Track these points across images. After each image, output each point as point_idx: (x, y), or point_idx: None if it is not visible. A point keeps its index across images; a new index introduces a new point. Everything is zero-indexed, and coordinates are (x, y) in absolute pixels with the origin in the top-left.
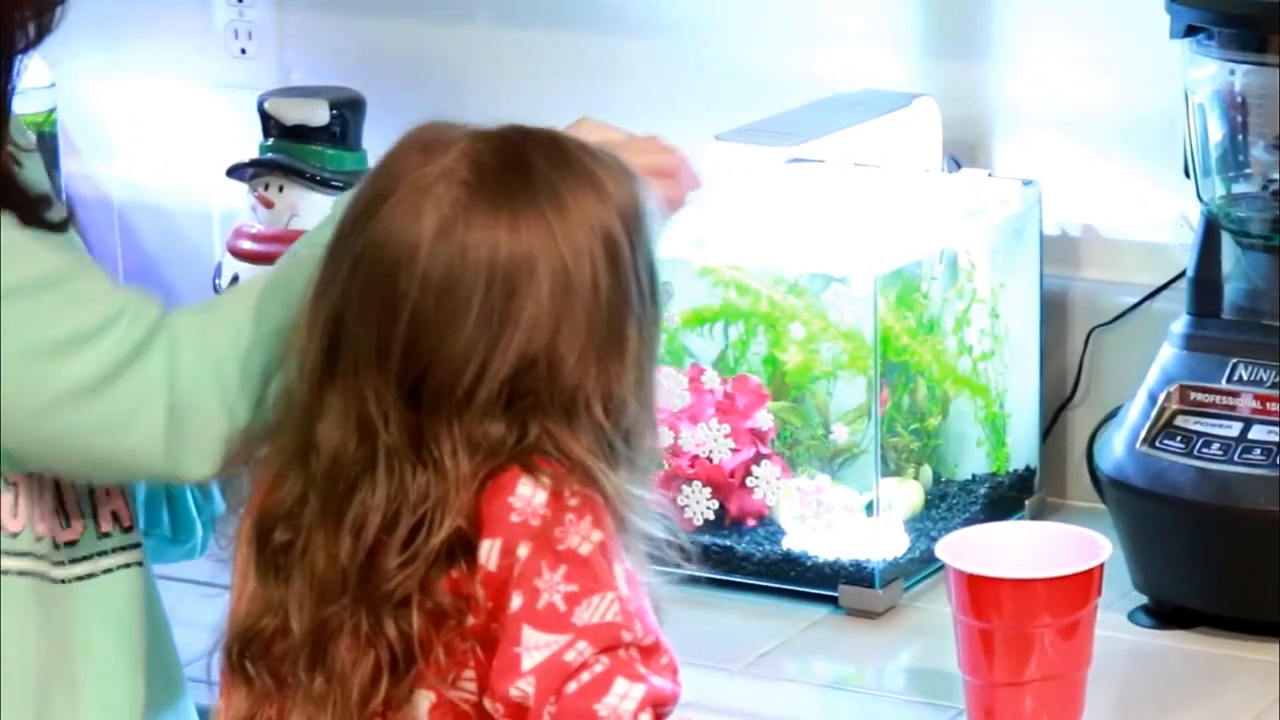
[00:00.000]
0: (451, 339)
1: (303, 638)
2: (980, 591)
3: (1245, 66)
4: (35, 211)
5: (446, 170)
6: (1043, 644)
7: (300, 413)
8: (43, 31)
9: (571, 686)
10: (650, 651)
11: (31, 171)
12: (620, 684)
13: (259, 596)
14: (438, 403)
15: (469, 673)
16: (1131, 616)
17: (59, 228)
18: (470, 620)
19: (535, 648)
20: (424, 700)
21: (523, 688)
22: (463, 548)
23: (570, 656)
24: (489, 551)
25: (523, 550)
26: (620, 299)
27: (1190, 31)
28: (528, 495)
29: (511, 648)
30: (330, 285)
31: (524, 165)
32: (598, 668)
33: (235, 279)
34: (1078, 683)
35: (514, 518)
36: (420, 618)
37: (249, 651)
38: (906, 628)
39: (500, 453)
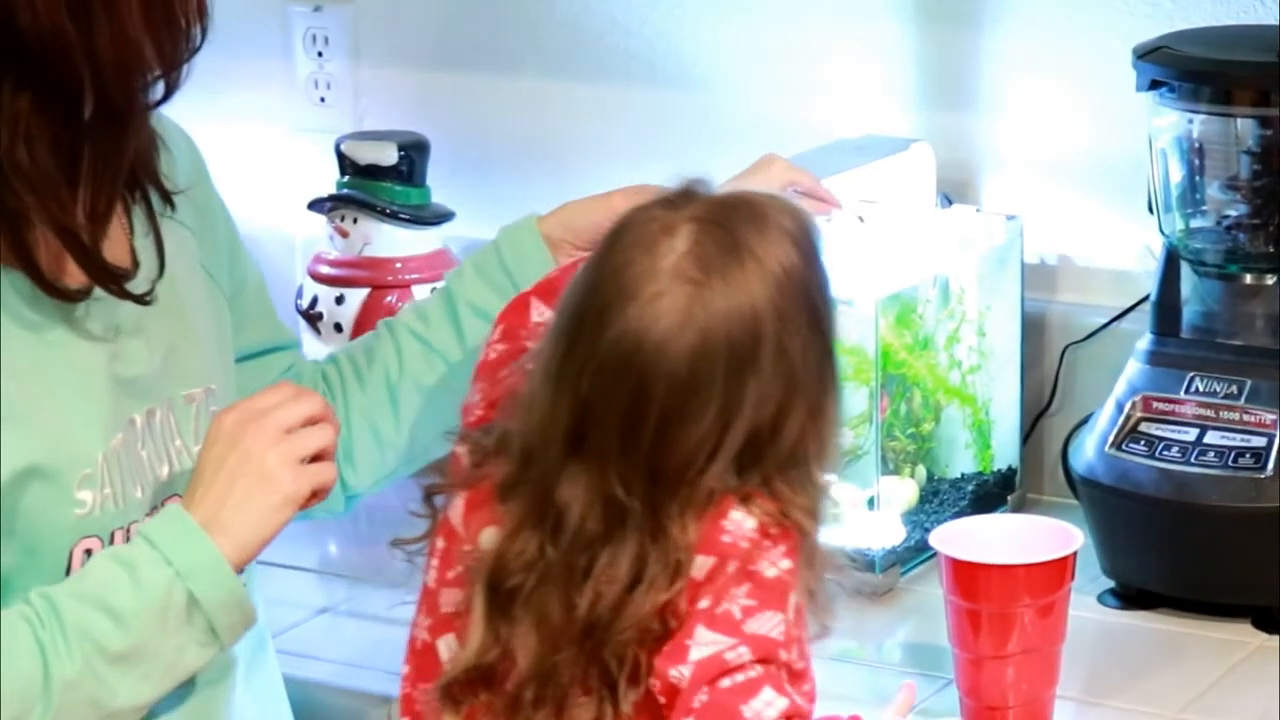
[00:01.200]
0: (693, 425)
1: (529, 676)
2: (968, 576)
3: (1202, 116)
4: (116, 283)
5: (676, 271)
6: (1023, 622)
7: (539, 475)
8: (171, 89)
9: (725, 683)
10: (799, 676)
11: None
12: (767, 692)
13: (484, 635)
14: (678, 481)
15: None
16: (1101, 598)
17: (140, 299)
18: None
19: (704, 644)
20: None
21: (682, 672)
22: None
23: (730, 656)
24: (702, 566)
25: (731, 567)
26: (817, 352)
27: (1154, 85)
28: (739, 520)
29: (684, 639)
30: (572, 368)
31: (738, 247)
32: (752, 673)
33: (315, 299)
34: (1053, 656)
35: (725, 539)
36: (643, 652)
37: (470, 684)
38: (903, 608)
39: (726, 515)
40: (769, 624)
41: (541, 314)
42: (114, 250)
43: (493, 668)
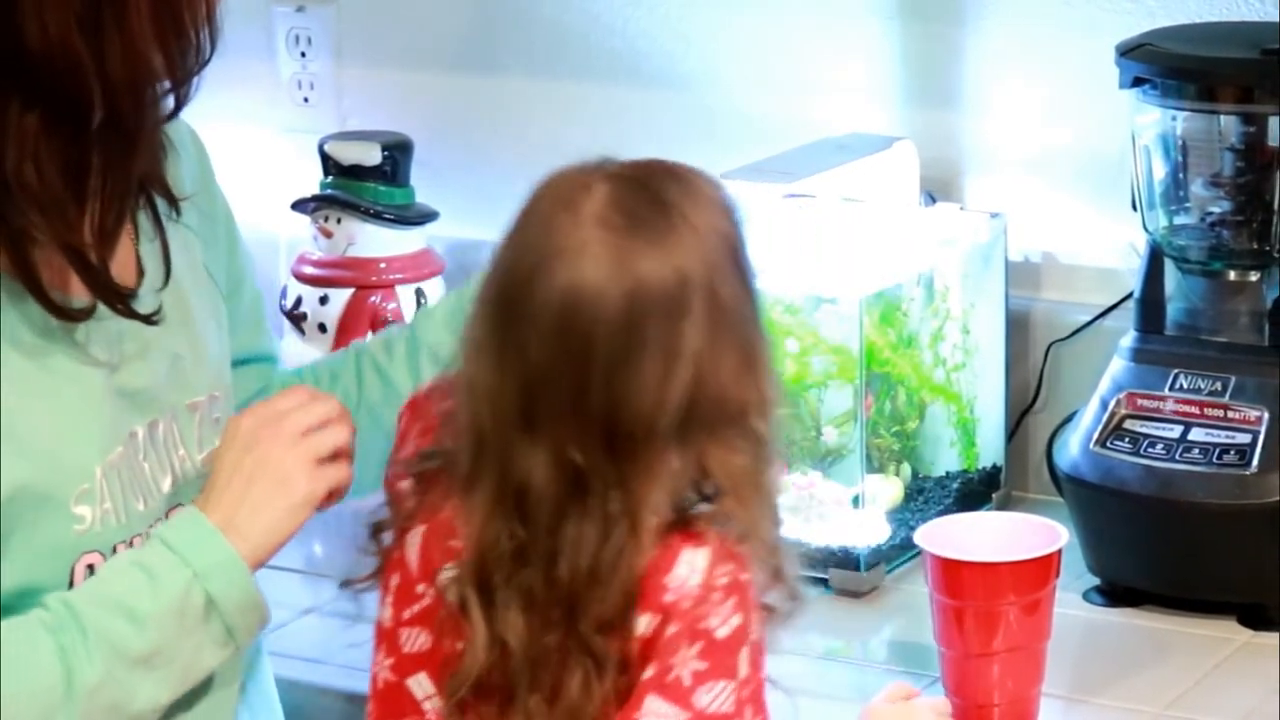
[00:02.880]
0: (638, 375)
1: (522, 662)
2: (953, 574)
3: (1185, 114)
4: (123, 303)
5: (601, 219)
6: (1008, 619)
7: (496, 458)
8: (181, 102)
9: None
10: None
11: (147, 256)
12: None
13: (489, 636)
14: (631, 439)
15: None
16: (1086, 596)
17: (147, 319)
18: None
19: (655, 714)
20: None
21: None
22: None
23: None
24: (647, 624)
25: (671, 628)
26: (749, 300)
27: (1137, 83)
28: (683, 576)
29: (633, 712)
30: (514, 344)
31: (660, 198)
32: None
33: (299, 300)
34: (1039, 653)
35: (668, 597)
36: (623, 642)
37: (477, 687)
38: (888, 606)
39: (679, 494)
40: (720, 696)
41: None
42: (119, 259)
43: (490, 671)
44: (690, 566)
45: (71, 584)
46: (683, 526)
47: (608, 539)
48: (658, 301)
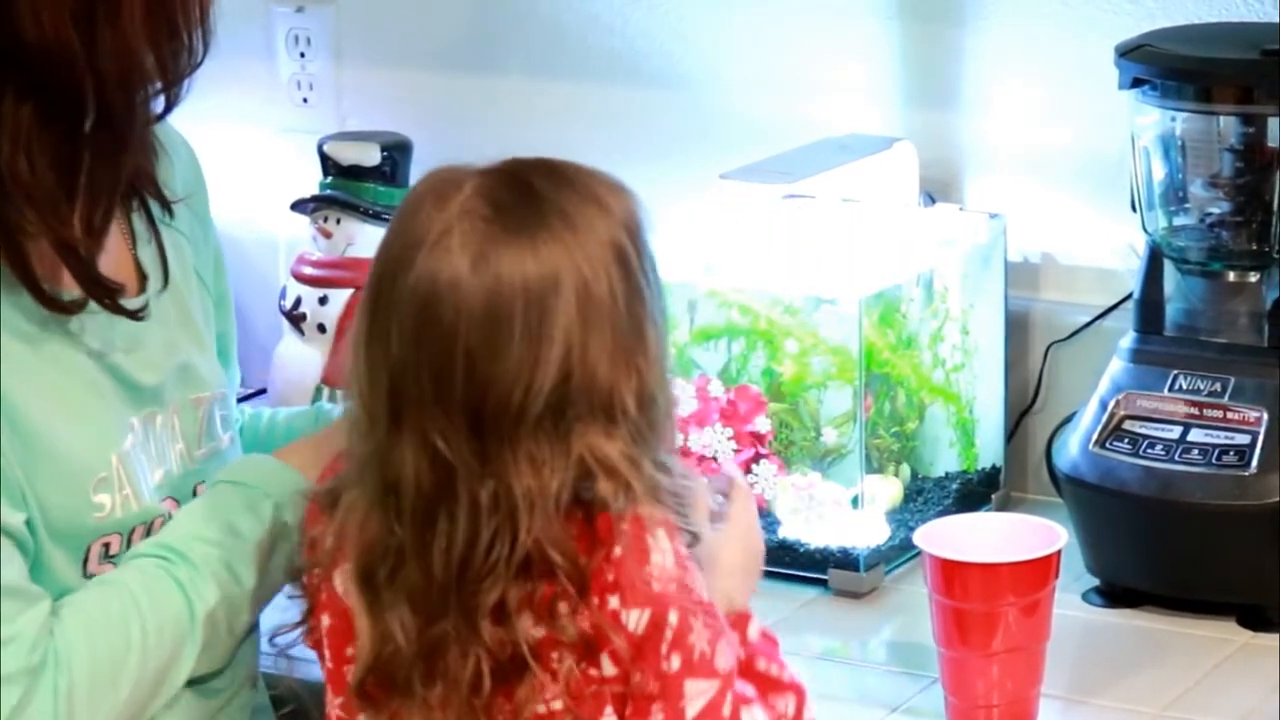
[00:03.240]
0: (501, 362)
1: (413, 655)
2: (952, 574)
3: (1184, 114)
4: (111, 299)
5: (467, 209)
6: (1007, 620)
7: (372, 458)
8: (172, 103)
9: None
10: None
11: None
12: (754, 711)
13: (373, 631)
14: (497, 425)
15: (610, 713)
16: (1085, 596)
17: (134, 315)
18: (611, 669)
19: (696, 695)
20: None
21: None
22: (570, 577)
23: (725, 714)
24: (638, 620)
25: (673, 617)
26: (636, 301)
27: (1136, 83)
28: (660, 563)
29: (678, 703)
30: (380, 338)
31: (532, 192)
32: (729, 710)
33: (298, 300)
34: (1038, 654)
35: (656, 586)
36: (530, 632)
37: (377, 680)
38: (888, 607)
39: (558, 470)
40: (724, 650)
41: None
42: (116, 261)
43: (389, 664)
44: (661, 550)
45: (86, 563)
46: (593, 510)
47: (478, 530)
48: (520, 291)
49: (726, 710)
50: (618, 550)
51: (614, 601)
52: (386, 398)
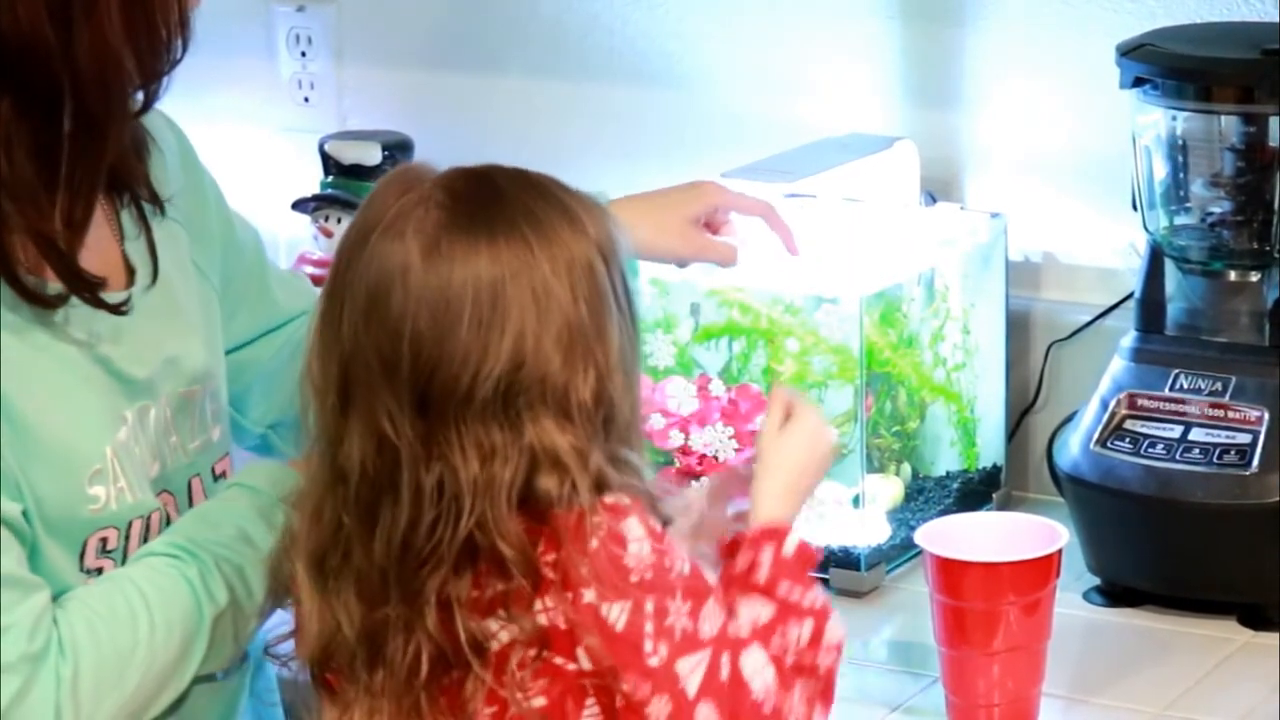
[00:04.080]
0: (449, 346)
1: (356, 640)
2: (953, 574)
3: (1185, 114)
4: (91, 292)
5: (424, 197)
6: (1008, 620)
7: (325, 445)
8: (150, 100)
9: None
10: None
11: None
12: (757, 667)
13: (323, 617)
14: (444, 407)
15: (593, 705)
16: (1086, 596)
17: (115, 309)
18: (564, 662)
19: (690, 672)
20: (487, 710)
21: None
22: (520, 568)
23: (725, 675)
24: (619, 614)
25: (649, 605)
26: (599, 305)
27: (1138, 82)
28: (637, 552)
29: (676, 687)
30: (333, 322)
31: (495, 189)
32: (728, 668)
33: None
34: (1039, 653)
35: (634, 578)
36: (493, 632)
37: (328, 666)
38: (889, 606)
39: (508, 460)
40: (710, 615)
41: None
42: (102, 256)
43: (338, 650)
44: (636, 538)
45: (83, 557)
46: (544, 505)
47: (420, 514)
48: (471, 280)
49: (725, 672)
50: (594, 543)
51: (589, 595)
52: (337, 382)
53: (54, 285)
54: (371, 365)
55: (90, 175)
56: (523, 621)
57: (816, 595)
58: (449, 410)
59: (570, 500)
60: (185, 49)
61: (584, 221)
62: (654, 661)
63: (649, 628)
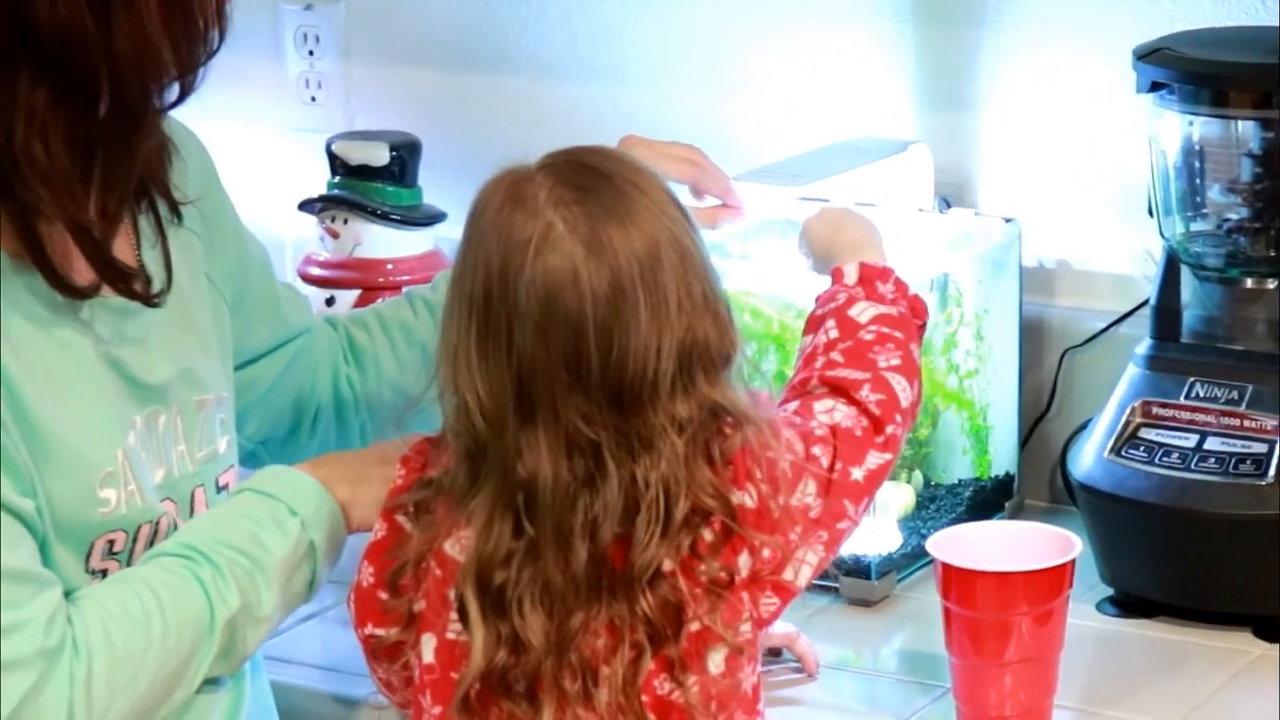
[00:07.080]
0: (633, 335)
1: (546, 652)
2: (965, 583)
3: (1202, 119)
4: (125, 282)
5: (552, 200)
6: (1020, 630)
7: (496, 462)
8: (186, 91)
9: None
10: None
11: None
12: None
13: (486, 637)
14: (638, 397)
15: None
16: (1099, 606)
17: (148, 300)
18: (747, 562)
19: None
20: (717, 654)
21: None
22: (725, 512)
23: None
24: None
25: (822, 451)
26: (704, 248)
27: (1154, 87)
28: (828, 408)
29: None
30: (496, 346)
31: (597, 172)
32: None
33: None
34: (1051, 664)
35: (819, 430)
36: (686, 583)
37: (488, 690)
38: (900, 615)
39: (700, 426)
40: (825, 420)
41: None
42: (121, 257)
43: (505, 672)
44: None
45: (89, 558)
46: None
47: (636, 502)
48: (632, 261)
49: (858, 429)
50: (782, 462)
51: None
52: (514, 400)
53: (82, 279)
54: (555, 373)
55: (125, 167)
56: (712, 564)
57: (887, 289)
58: (643, 400)
59: (745, 440)
60: (221, 41)
61: (654, 176)
62: (835, 475)
63: (824, 453)
